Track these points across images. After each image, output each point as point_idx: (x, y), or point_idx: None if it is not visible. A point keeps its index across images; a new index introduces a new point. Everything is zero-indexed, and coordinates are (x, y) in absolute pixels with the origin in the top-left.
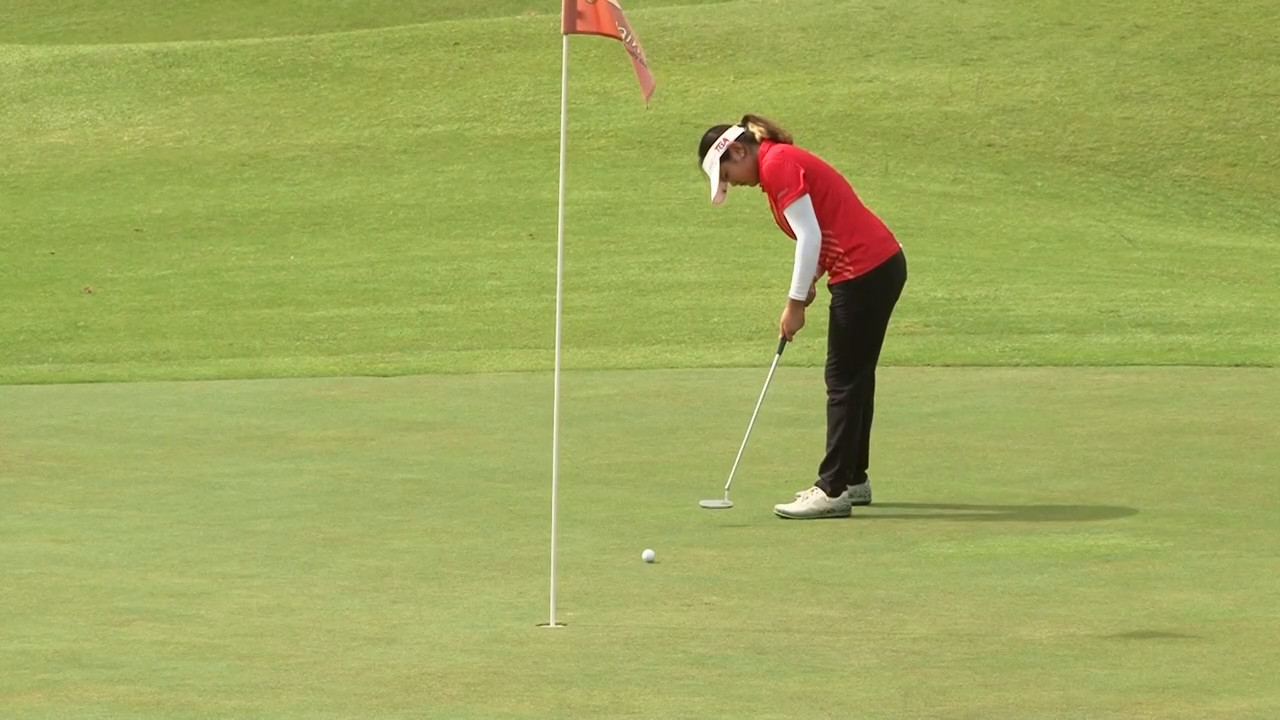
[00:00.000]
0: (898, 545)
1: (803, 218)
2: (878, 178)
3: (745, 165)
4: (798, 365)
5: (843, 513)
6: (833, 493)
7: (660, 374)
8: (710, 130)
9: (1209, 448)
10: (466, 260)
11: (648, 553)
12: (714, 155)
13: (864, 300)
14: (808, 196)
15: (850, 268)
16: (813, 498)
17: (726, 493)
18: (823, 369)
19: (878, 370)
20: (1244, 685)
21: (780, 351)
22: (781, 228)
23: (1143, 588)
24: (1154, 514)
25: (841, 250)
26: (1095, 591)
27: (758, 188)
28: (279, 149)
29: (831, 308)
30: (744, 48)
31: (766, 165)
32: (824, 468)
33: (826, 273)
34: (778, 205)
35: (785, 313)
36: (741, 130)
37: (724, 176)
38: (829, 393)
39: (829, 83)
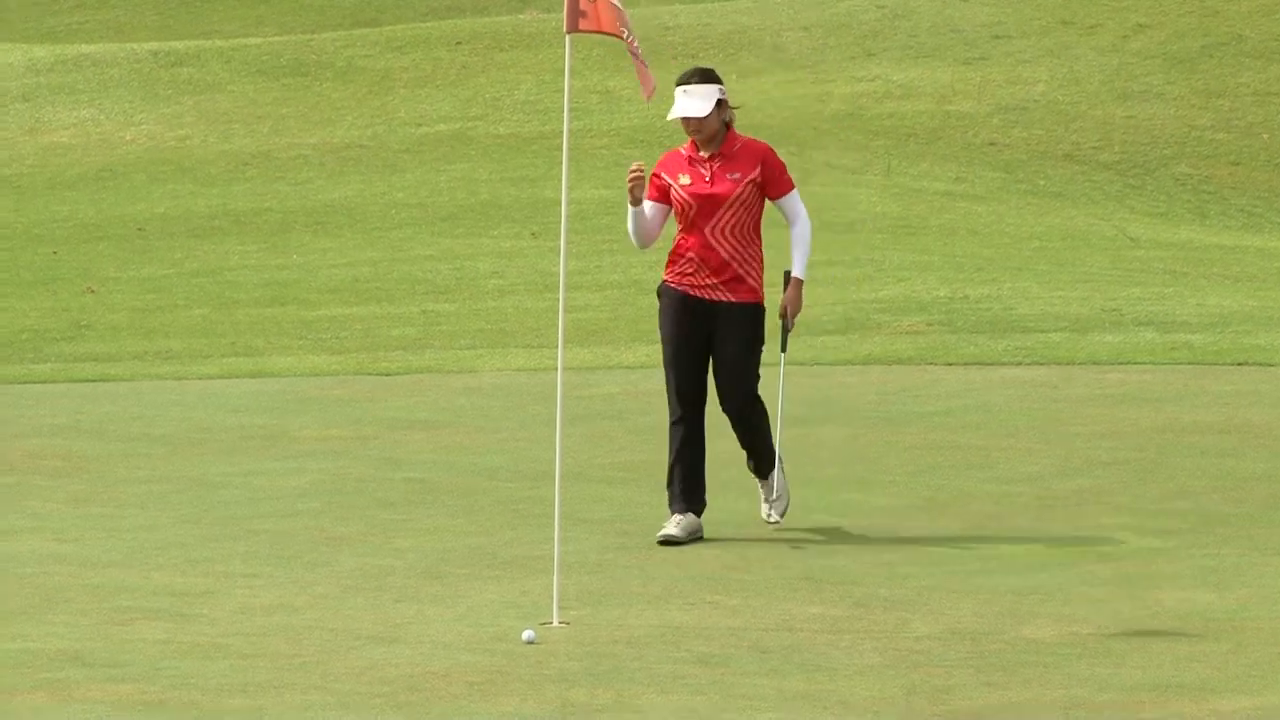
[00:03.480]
0: (900, 544)
1: (801, 203)
2: (880, 177)
3: (718, 123)
4: (801, 364)
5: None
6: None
7: (663, 373)
8: (711, 70)
9: (1212, 447)
10: (469, 259)
11: (527, 633)
12: (715, 93)
13: (761, 323)
14: None
15: (758, 289)
16: (778, 485)
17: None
18: (735, 391)
19: (880, 367)
20: (1247, 684)
21: (785, 346)
22: (715, 199)
23: (1145, 586)
24: (1157, 513)
25: (757, 269)
26: (1098, 590)
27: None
28: (281, 148)
29: (744, 325)
30: (746, 47)
31: (768, 148)
32: (767, 463)
33: (720, 283)
34: (780, 184)
35: (792, 292)
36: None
37: (695, 113)
38: (751, 411)
39: (831, 82)
